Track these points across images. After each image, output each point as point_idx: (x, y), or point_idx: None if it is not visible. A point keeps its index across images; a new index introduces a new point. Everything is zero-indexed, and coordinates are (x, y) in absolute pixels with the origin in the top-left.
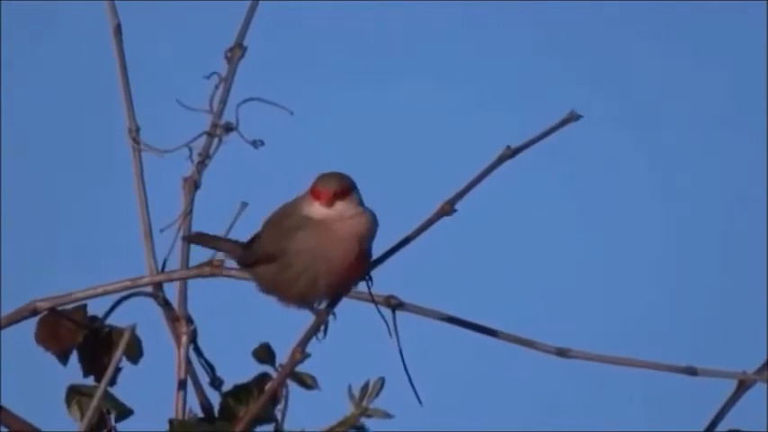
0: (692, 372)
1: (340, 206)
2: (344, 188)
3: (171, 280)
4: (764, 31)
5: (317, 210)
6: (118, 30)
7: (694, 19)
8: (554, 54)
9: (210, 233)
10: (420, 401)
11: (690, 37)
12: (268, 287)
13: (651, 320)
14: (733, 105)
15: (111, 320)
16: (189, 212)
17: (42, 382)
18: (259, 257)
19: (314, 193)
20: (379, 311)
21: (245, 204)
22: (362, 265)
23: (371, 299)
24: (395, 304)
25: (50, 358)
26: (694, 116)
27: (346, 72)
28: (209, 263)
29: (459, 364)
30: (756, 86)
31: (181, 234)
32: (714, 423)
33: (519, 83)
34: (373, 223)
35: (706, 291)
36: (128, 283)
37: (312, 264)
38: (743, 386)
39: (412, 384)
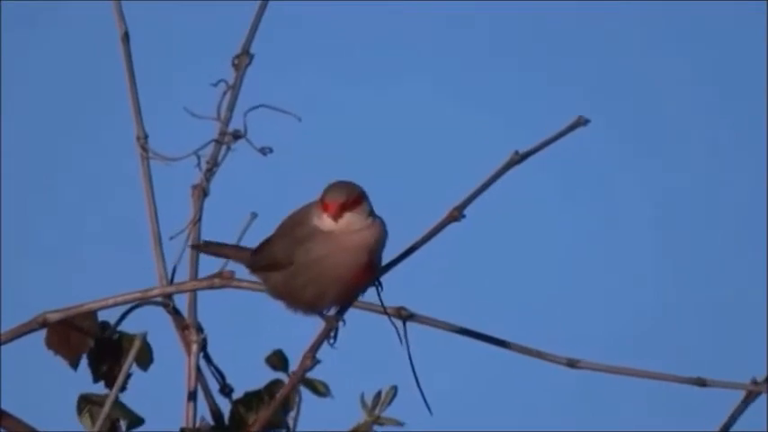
0: (701, 383)
1: (348, 218)
2: (353, 199)
3: (181, 291)
4: (764, 35)
5: (325, 222)
6: (126, 38)
7: (693, 25)
8: (556, 59)
9: (218, 241)
10: (430, 411)
11: (689, 42)
12: (277, 293)
13: (655, 328)
14: (732, 110)
15: (120, 328)
16: (198, 220)
17: (53, 390)
18: (269, 263)
19: (323, 204)
20: (392, 323)
21: (254, 215)
22: (371, 274)
23: (384, 311)
24: (405, 316)
25: (61, 367)
26: (693, 120)
27: (354, 78)
28: (220, 274)
29: (469, 374)
30: (756, 90)
31: (190, 241)
32: None
33: (523, 88)
34: (383, 233)
35: (708, 298)
36: (138, 295)
37: (320, 274)
38: (750, 397)
39: (422, 394)
